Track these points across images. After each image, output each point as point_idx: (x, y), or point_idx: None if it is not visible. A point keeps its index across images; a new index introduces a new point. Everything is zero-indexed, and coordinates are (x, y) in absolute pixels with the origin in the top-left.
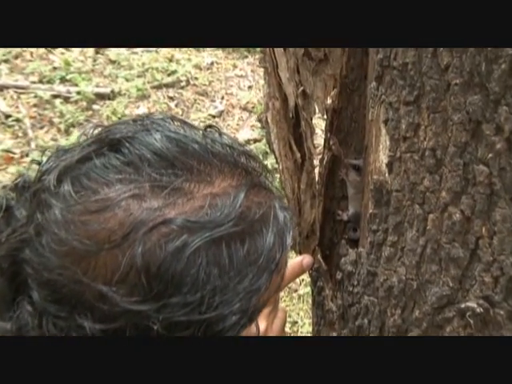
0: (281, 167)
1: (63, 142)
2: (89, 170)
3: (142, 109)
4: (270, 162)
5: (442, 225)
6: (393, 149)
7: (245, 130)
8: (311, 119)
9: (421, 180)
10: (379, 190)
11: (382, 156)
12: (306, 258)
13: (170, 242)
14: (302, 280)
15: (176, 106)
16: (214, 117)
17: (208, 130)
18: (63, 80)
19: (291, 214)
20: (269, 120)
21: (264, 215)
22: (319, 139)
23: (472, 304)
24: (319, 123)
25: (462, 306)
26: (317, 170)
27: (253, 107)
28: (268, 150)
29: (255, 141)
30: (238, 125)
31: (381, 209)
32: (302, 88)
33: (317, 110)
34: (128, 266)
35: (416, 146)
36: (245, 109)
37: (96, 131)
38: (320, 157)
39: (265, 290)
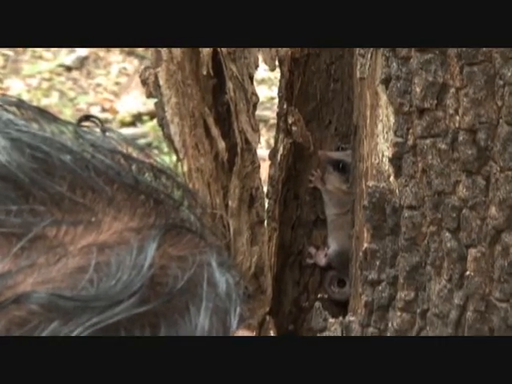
0: (187, 168)
1: None
2: None
3: None
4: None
5: (494, 267)
6: (401, 130)
7: (131, 96)
8: (251, 79)
9: (452, 187)
10: (380, 207)
11: (382, 144)
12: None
13: (27, 334)
14: None
15: None
16: (68, 69)
17: (83, 124)
18: None
19: (239, 277)
20: (161, 81)
21: (191, 282)
22: (269, 111)
23: None
24: (271, 79)
25: None
26: (264, 173)
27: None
28: None
29: (152, 116)
30: (117, 84)
31: (384, 241)
32: None
33: (260, 61)
34: None
35: (442, 125)
36: (130, 53)
37: None
38: (271, 148)
39: None
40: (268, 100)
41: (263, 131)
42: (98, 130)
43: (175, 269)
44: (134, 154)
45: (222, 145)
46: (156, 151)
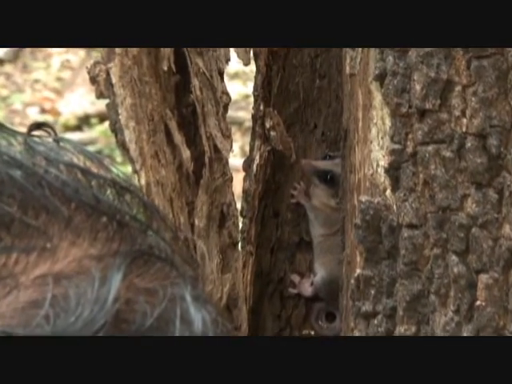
0: (144, 181)
1: None
2: None
3: None
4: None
5: (508, 296)
6: (399, 135)
7: (76, 94)
8: (221, 75)
9: (459, 202)
10: (374, 226)
11: (377, 151)
12: None
13: None
14: None
15: None
16: (0, 62)
17: (34, 134)
18: None
19: (216, 312)
20: (114, 79)
21: (162, 319)
22: (244, 111)
23: None
24: (247, 73)
25: None
26: (238, 186)
27: None
28: None
29: (101, 118)
30: (59, 80)
31: (379, 266)
32: None
33: (232, 53)
34: None
35: (446, 130)
36: None
37: None
38: (246, 157)
39: None
40: (242, 98)
41: (237, 136)
42: (50, 140)
43: (143, 303)
44: (93, 167)
45: (186, 153)
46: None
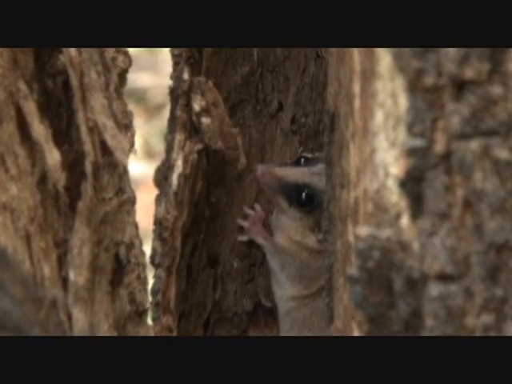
0: None
1: None
2: None
3: None
4: None
5: None
6: (422, 124)
7: None
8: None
9: None
10: (382, 278)
11: (385, 151)
12: None
13: None
14: None
15: None
16: None
17: None
18: None
19: None
20: None
21: None
22: (148, 73)
23: None
24: None
25: None
26: (143, 214)
27: None
28: None
29: None
30: None
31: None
32: None
33: None
34: None
35: (500, 114)
36: None
37: None
38: (160, 163)
39: None
40: (147, 53)
41: (139, 122)
42: None
43: None
44: None
45: (54, 157)
46: None
